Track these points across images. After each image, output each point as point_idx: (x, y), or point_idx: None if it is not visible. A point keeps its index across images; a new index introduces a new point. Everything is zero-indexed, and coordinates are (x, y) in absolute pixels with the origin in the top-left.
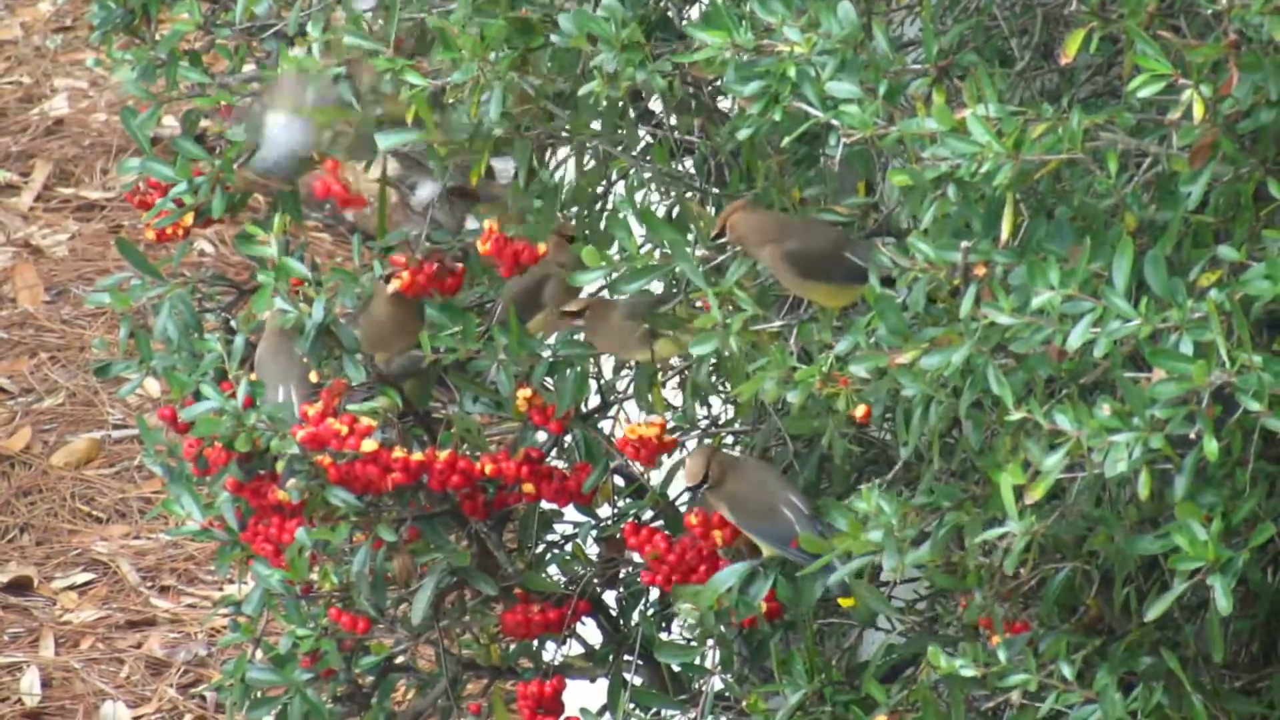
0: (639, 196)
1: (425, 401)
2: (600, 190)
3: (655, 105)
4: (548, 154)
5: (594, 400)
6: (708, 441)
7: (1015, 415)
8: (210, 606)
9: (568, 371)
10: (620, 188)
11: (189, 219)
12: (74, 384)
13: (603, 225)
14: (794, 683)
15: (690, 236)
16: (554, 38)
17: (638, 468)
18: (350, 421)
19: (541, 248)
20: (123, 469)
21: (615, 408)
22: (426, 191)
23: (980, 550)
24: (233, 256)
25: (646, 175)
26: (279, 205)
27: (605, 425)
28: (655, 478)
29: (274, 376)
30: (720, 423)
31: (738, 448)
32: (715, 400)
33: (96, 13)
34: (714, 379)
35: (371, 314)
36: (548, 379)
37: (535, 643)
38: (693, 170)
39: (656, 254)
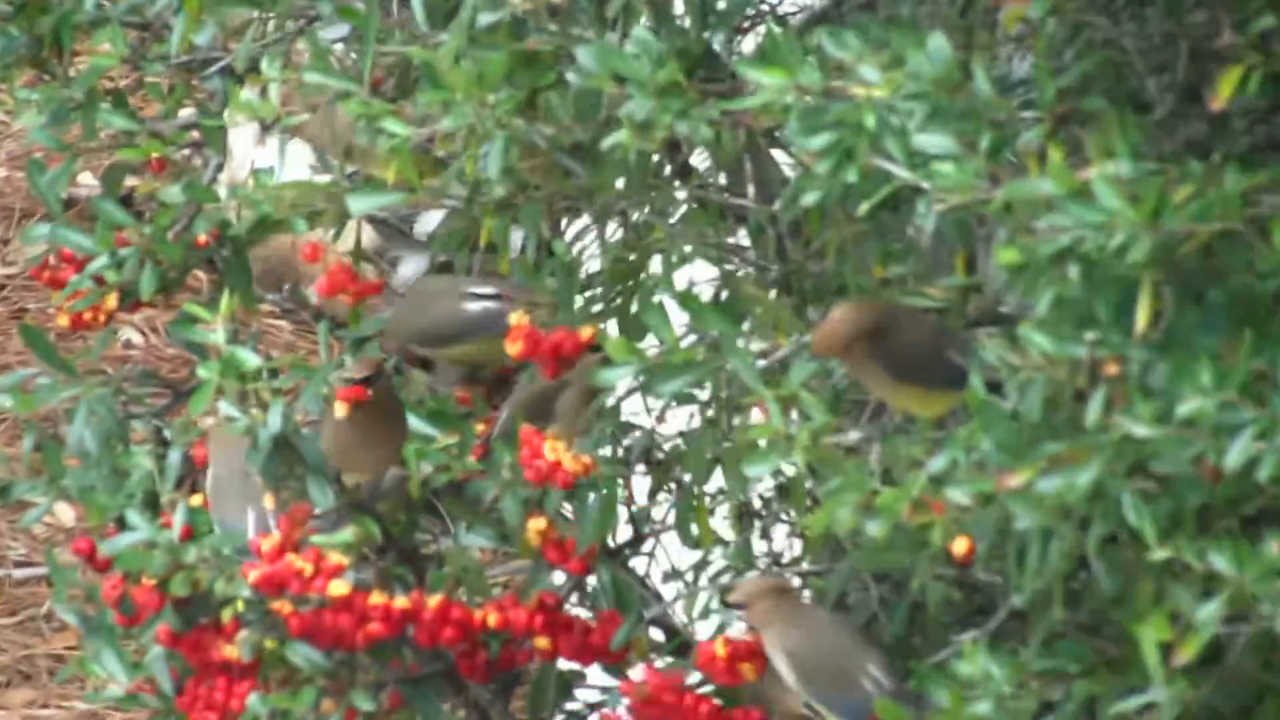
0: (679, 276)
1: (410, 533)
2: (630, 265)
3: (698, 159)
4: (563, 222)
5: (624, 532)
6: (776, 571)
7: (1159, 553)
8: None
9: (591, 496)
10: (654, 263)
11: (111, 301)
12: None
13: (633, 310)
14: None
15: (745, 325)
16: (570, 75)
17: (681, 617)
18: (315, 558)
19: (586, 332)
20: (27, 618)
21: (651, 541)
22: (411, 268)
23: None
24: (167, 349)
25: (688, 249)
26: (226, 282)
27: (639, 564)
28: (702, 630)
29: (236, 497)
30: (783, 560)
31: (807, 593)
32: (778, 531)
33: None
34: (775, 505)
35: (337, 422)
36: (565, 505)
37: None
38: (746, 242)
39: (701, 347)
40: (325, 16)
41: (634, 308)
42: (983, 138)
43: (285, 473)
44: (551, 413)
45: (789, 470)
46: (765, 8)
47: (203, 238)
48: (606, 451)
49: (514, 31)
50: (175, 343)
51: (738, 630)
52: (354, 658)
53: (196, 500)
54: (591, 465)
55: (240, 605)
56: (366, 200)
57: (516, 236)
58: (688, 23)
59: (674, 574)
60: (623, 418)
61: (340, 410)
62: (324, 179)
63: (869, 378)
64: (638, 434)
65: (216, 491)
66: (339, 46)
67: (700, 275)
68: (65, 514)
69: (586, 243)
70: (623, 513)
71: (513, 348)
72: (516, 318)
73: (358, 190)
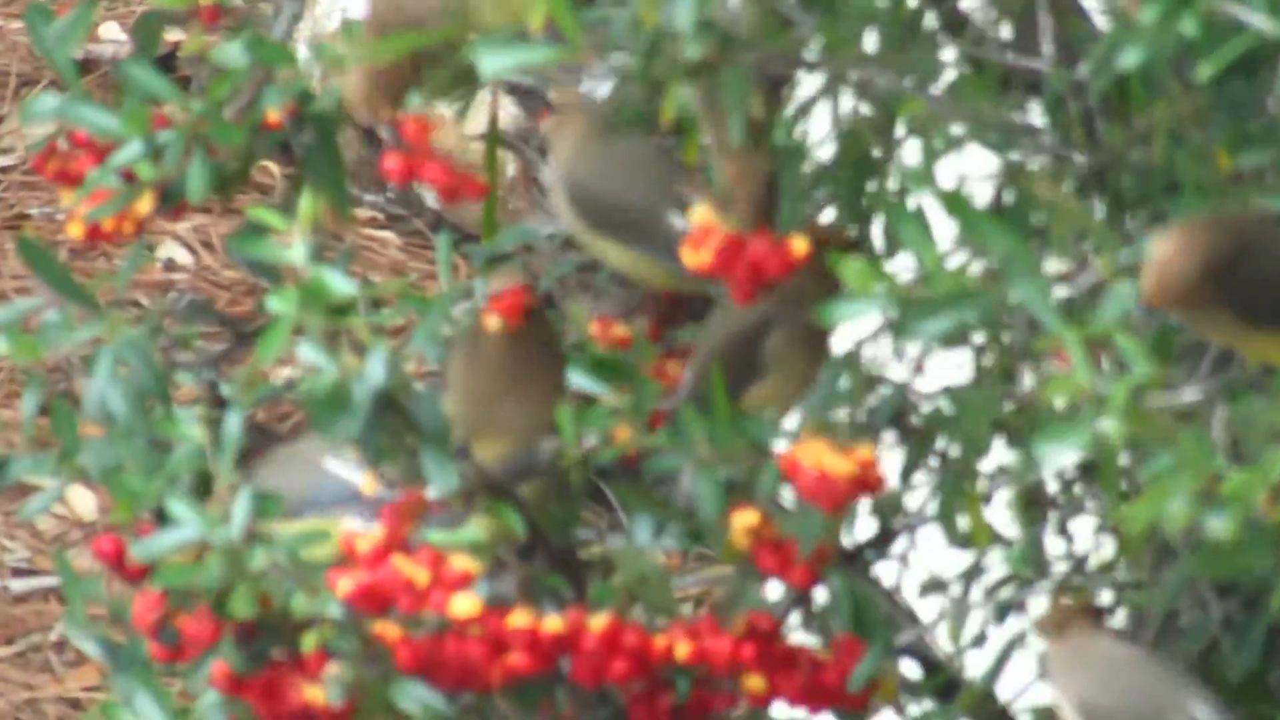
0: (944, 169)
1: (567, 528)
2: (876, 155)
3: (973, 5)
4: (783, 91)
5: (865, 527)
6: (1077, 580)
7: None
8: None
9: None
10: (910, 151)
11: (146, 204)
12: None
13: (878, 221)
14: None
15: (1036, 240)
16: None
17: (941, 642)
18: (433, 563)
19: (799, 246)
20: (30, 648)
21: (903, 540)
22: None
23: None
24: (224, 272)
25: (956, 131)
26: (307, 178)
27: (886, 571)
28: (974, 664)
29: (320, 462)
30: (1087, 567)
31: (1120, 612)
32: (1081, 526)
33: None
34: (1078, 489)
35: (472, 371)
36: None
37: None
38: (1039, 122)
39: (976, 270)
40: None
41: (879, 214)
42: None
43: (391, 444)
44: (756, 362)
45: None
46: None
47: (274, 116)
48: (842, 416)
49: None
50: (236, 263)
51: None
52: (488, 701)
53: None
54: (872, 463)
55: (328, 630)
56: (502, 56)
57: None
58: None
59: (935, 585)
60: (864, 369)
61: (493, 326)
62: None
63: (1212, 323)
64: (885, 392)
65: (293, 469)
66: None
67: (975, 168)
68: (82, 502)
69: (813, 122)
70: (863, 499)
71: (693, 258)
72: (701, 213)
73: (489, 43)
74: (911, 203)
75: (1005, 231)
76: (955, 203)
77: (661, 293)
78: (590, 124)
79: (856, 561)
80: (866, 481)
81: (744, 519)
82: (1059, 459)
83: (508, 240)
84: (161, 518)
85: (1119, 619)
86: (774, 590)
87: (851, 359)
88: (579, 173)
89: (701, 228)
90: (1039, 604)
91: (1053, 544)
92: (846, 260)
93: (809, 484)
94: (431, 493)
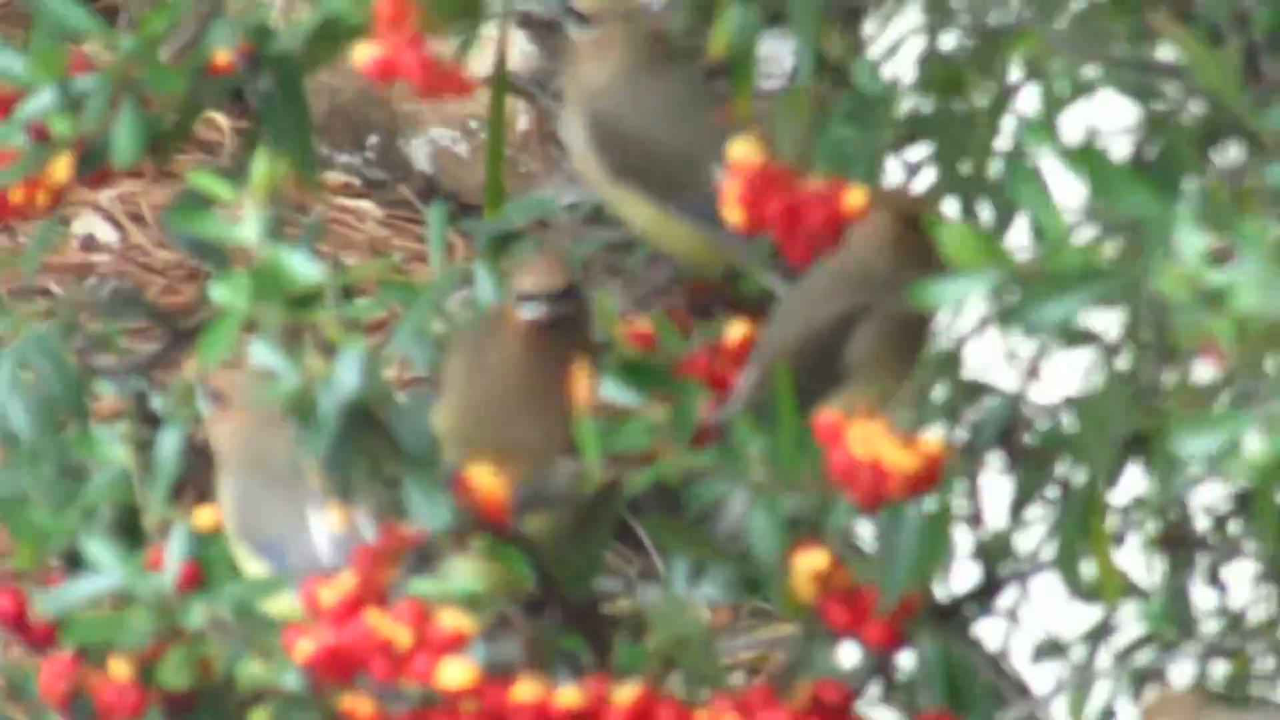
0: (1067, 119)
1: (587, 575)
2: (983, 103)
3: None
4: (861, 20)
5: (964, 574)
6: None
7: None
8: None
9: (906, 511)
10: (1027, 98)
11: (62, 169)
12: None
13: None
14: None
15: (1184, 206)
16: None
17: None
18: (417, 619)
19: (855, 197)
20: None
21: (1012, 590)
22: None
23: None
24: (158, 253)
25: (1087, 73)
26: (264, 136)
27: (990, 630)
28: None
29: (283, 505)
30: (1245, 626)
31: None
32: (1237, 573)
33: None
34: (1232, 526)
35: (475, 377)
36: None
37: None
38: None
39: (1108, 244)
40: None
41: (988, 177)
42: None
43: (364, 467)
44: (839, 362)
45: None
46: None
47: (224, 57)
48: (937, 431)
49: None
50: (172, 241)
51: None
52: None
53: (207, 518)
54: (941, 458)
55: (282, 705)
56: None
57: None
58: None
59: (1052, 648)
60: (965, 371)
61: (513, 338)
62: None
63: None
64: (992, 403)
65: (245, 500)
66: None
67: (1107, 117)
68: None
69: (900, 58)
70: (963, 539)
71: (730, 205)
72: (742, 146)
73: None
74: (1029, 162)
75: (1146, 196)
76: (1084, 160)
77: (692, 272)
78: (633, 44)
79: (953, 618)
80: (924, 481)
81: (810, 562)
82: (1198, 447)
83: (517, 213)
84: (75, 562)
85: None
86: (847, 654)
87: (950, 360)
88: (608, 104)
89: (738, 164)
90: (1183, 672)
91: (1201, 596)
92: (946, 227)
93: (848, 467)
94: (416, 530)
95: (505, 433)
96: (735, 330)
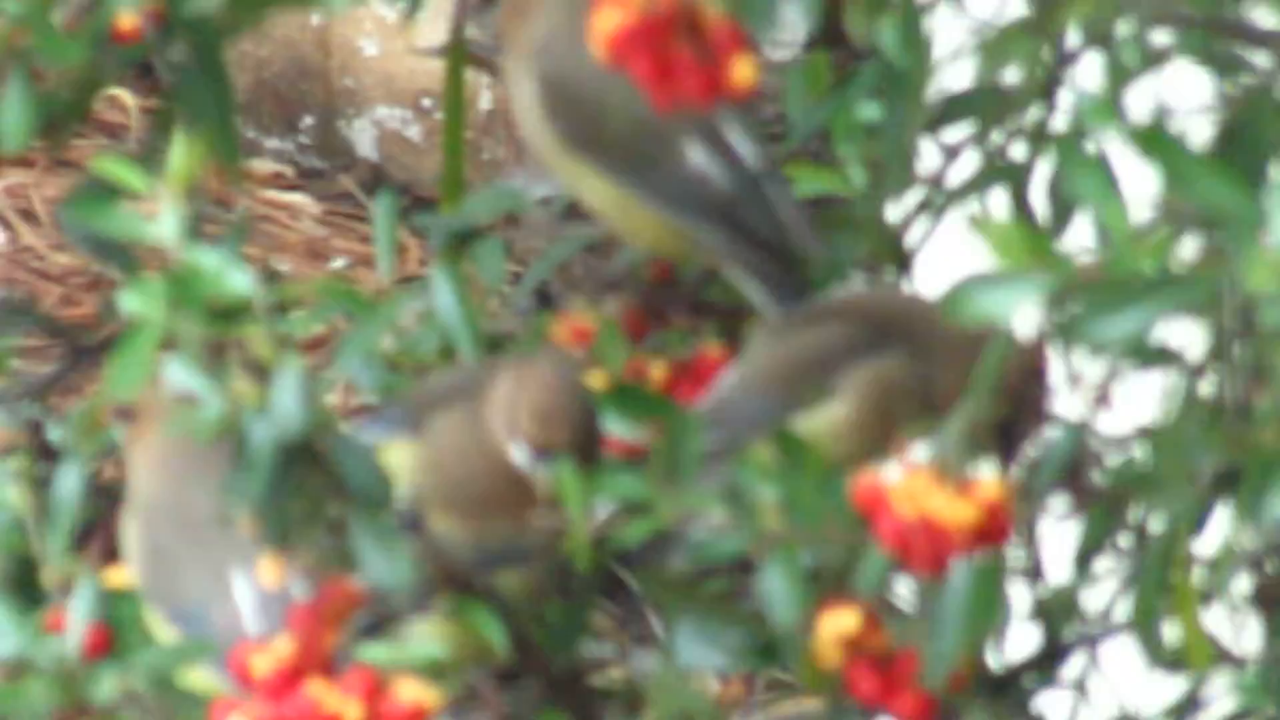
0: (1134, 94)
1: (570, 640)
2: (1035, 77)
3: None
4: None
5: (1021, 638)
6: None
7: None
8: None
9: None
10: (1087, 70)
11: None
12: None
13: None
14: None
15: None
16: None
17: None
18: (369, 690)
19: (744, 69)
20: None
21: (1080, 657)
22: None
23: None
24: (55, 257)
25: (1159, 41)
26: (179, 115)
27: (1055, 703)
28: None
29: (202, 559)
30: None
31: None
32: None
33: None
34: None
35: (461, 447)
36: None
37: None
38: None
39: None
40: None
41: (1042, 163)
42: None
43: (305, 512)
44: (908, 398)
45: None
46: None
47: (129, 21)
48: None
49: None
50: (73, 243)
51: None
52: None
53: (119, 576)
54: (1005, 501)
55: None
56: None
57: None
58: None
59: None
60: None
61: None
62: None
63: None
64: (1052, 435)
65: (156, 553)
66: None
67: (1181, 92)
68: None
69: (941, 29)
70: (1019, 596)
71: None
72: None
73: None
74: (1090, 146)
75: (1229, 186)
76: (1155, 144)
77: (653, 263)
78: None
79: (1009, 690)
80: (990, 534)
81: (838, 624)
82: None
83: (481, 207)
84: None
85: None
86: None
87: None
88: (559, 58)
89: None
90: None
91: None
92: (991, 225)
93: (898, 532)
94: (365, 586)
95: (467, 485)
96: (710, 350)
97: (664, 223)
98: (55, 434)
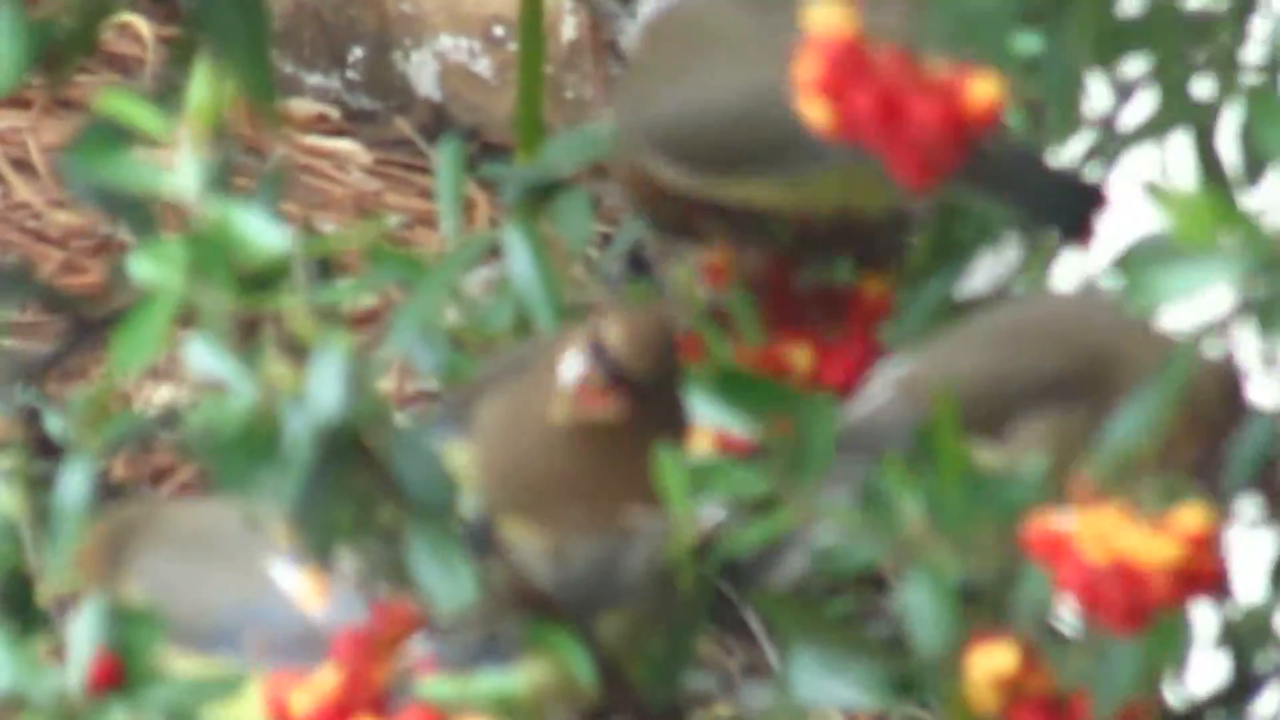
0: None
1: (671, 673)
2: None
3: None
4: None
5: (1206, 672)
6: None
7: None
8: None
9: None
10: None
11: None
12: None
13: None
14: None
15: None
16: None
17: None
18: None
19: (986, 87)
20: None
21: (1277, 689)
22: None
23: None
24: (55, 213)
25: None
26: (208, 49)
27: None
28: None
29: (228, 566)
30: None
31: None
32: None
33: None
34: None
35: (519, 392)
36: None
37: None
38: None
39: None
40: None
41: (1228, 107)
42: None
43: (353, 519)
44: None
45: None
46: None
47: None
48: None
49: None
50: (76, 198)
51: None
52: None
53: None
54: (1212, 532)
55: None
56: None
57: None
58: None
59: None
60: None
61: (563, 413)
62: None
63: None
64: (1239, 440)
65: (171, 585)
66: None
67: None
68: None
69: None
70: (1202, 619)
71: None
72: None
73: None
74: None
75: None
76: None
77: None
78: None
79: None
80: (1199, 577)
81: (992, 659)
82: None
83: (562, 154)
84: None
85: None
86: None
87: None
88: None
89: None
90: None
91: None
92: (1168, 194)
93: (1088, 582)
94: (427, 609)
95: (556, 477)
96: (870, 287)
97: (800, 187)
98: (55, 425)
